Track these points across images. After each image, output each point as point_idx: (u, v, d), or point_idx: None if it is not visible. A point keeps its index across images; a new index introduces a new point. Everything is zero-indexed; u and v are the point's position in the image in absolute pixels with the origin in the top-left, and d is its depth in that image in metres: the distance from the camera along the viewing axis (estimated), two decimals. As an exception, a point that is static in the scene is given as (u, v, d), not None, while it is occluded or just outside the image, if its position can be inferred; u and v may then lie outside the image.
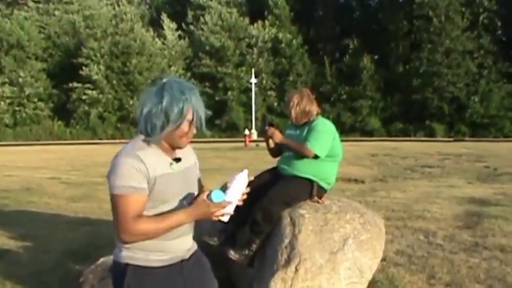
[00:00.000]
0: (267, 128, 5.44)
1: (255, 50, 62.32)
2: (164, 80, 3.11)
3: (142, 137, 3.10)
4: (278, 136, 5.37)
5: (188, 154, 3.33)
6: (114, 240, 3.11)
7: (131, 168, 3.00)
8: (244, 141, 37.11)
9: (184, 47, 64.11)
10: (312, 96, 5.66)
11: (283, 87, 59.69)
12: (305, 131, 5.46)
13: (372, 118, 59.16)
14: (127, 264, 3.10)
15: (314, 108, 5.58)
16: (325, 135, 5.40)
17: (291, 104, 5.56)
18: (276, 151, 5.72)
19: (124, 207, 2.99)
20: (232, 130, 57.94)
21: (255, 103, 57.65)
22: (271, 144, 5.65)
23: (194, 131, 3.13)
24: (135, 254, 3.09)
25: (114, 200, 3.00)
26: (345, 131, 52.88)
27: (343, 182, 14.79)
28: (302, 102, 5.55)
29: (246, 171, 3.12)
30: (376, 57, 60.77)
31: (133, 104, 58.10)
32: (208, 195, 3.03)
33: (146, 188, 3.06)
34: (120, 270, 3.11)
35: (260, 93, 61.08)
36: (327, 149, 5.39)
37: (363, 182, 15.50)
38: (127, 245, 3.08)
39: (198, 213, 3.04)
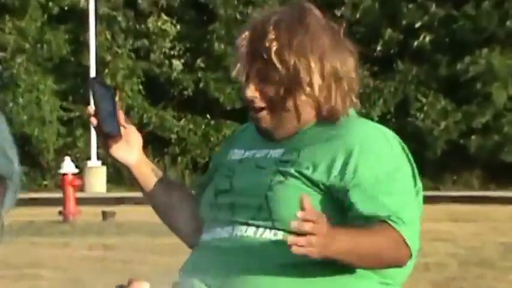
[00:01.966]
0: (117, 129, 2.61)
1: None
2: None
3: None
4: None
5: None
6: None
7: None
8: (63, 211, 18.89)
9: None
10: (340, 35, 2.54)
11: (208, 12, 33.05)
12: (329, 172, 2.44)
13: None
14: None
15: (348, 85, 2.49)
16: (405, 189, 2.49)
17: (246, 57, 2.49)
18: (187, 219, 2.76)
19: None
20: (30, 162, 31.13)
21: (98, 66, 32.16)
22: None
23: None
24: None
25: None
26: (427, 168, 26.58)
27: None
28: (302, 44, 2.46)
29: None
30: None
31: None
32: None
33: None
34: None
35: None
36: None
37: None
38: None
39: None
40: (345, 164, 2.34)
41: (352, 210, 2.32)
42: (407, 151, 2.49)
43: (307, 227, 2.08)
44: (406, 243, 2.32)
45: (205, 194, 2.60)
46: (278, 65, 2.35)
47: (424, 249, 10.42)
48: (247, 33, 2.45)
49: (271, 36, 2.37)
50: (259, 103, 2.40)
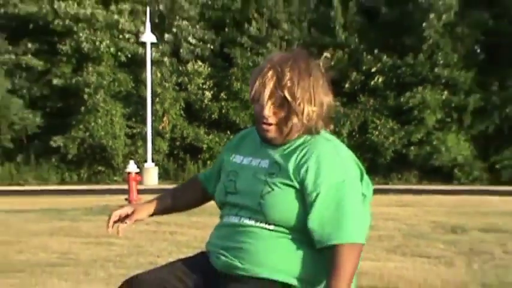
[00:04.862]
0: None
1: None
2: None
3: None
4: None
5: None
6: None
7: None
8: (128, 198, 19.09)
9: None
10: (322, 73, 2.92)
11: (229, 60, 36.50)
12: (288, 168, 2.80)
13: (450, 136, 34.18)
14: None
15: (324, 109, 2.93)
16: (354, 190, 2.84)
17: (268, 88, 2.81)
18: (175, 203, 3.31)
19: None
20: (106, 164, 35.67)
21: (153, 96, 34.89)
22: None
23: None
24: None
25: None
26: (380, 169, 33.73)
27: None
28: (306, 84, 2.82)
29: None
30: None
31: None
32: None
33: None
34: None
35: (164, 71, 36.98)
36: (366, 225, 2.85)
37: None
38: None
39: None
40: (306, 171, 2.74)
41: (310, 213, 2.70)
42: (357, 160, 2.88)
43: None
44: (348, 242, 2.69)
45: (217, 190, 3.01)
46: (289, 98, 2.74)
47: (378, 225, 11.01)
48: (270, 72, 2.76)
49: (287, 77, 2.74)
50: (272, 120, 2.78)
